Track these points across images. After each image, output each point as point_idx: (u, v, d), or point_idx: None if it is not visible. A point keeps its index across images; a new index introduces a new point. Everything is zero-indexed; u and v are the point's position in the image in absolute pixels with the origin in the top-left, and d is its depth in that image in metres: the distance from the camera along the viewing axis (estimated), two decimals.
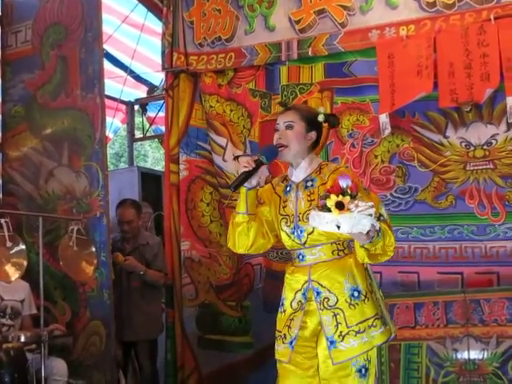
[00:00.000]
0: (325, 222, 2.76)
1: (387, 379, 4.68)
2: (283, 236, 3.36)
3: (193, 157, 5.95)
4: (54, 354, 4.91)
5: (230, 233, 3.39)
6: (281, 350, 3.32)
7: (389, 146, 5.27)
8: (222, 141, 5.72)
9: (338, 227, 2.74)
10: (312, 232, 3.22)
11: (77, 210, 5.50)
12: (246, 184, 3.17)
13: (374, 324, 3.20)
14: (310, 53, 5.45)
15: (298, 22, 5.52)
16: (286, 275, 3.43)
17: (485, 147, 5.00)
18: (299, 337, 3.26)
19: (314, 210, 2.87)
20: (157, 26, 7.11)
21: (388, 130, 5.06)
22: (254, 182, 3.20)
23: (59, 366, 4.82)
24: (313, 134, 3.32)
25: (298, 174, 3.34)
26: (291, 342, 3.27)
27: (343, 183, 2.77)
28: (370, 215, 2.75)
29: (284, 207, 3.34)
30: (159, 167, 15.13)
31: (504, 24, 4.76)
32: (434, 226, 5.11)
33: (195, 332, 5.80)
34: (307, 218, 3.11)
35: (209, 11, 5.89)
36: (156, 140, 11.16)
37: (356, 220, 2.73)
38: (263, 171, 3.87)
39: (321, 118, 3.33)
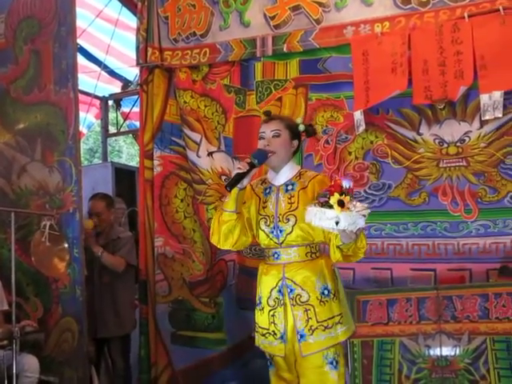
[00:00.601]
0: (326, 218, 2.96)
1: (360, 375, 4.70)
2: (261, 235, 3.56)
3: (167, 152, 5.92)
4: (26, 350, 4.88)
5: (214, 229, 3.56)
6: (275, 346, 3.49)
7: (363, 142, 5.28)
8: (196, 136, 5.69)
9: (337, 223, 2.94)
10: (290, 232, 3.44)
11: (50, 205, 5.47)
12: (238, 185, 3.36)
13: (341, 321, 3.45)
14: (284, 49, 5.44)
15: (272, 18, 5.51)
16: (260, 273, 3.62)
17: (458, 144, 5.02)
18: (287, 331, 3.44)
19: (313, 206, 3.05)
20: (131, 20, 7.09)
21: (362, 127, 5.08)
22: (245, 182, 3.40)
23: (31, 362, 4.81)
24: (295, 143, 3.58)
25: (279, 178, 3.57)
26: (282, 337, 3.46)
27: (346, 184, 2.98)
28: (364, 216, 2.97)
29: (264, 208, 3.55)
30: (133, 163, 15.15)
31: (478, 22, 4.78)
32: (407, 222, 5.12)
33: (168, 328, 5.78)
34: (287, 219, 3.45)
35: (184, 6, 5.86)
36: (130, 135, 11.12)
37: (353, 219, 2.94)
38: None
39: (301, 127, 3.61)
